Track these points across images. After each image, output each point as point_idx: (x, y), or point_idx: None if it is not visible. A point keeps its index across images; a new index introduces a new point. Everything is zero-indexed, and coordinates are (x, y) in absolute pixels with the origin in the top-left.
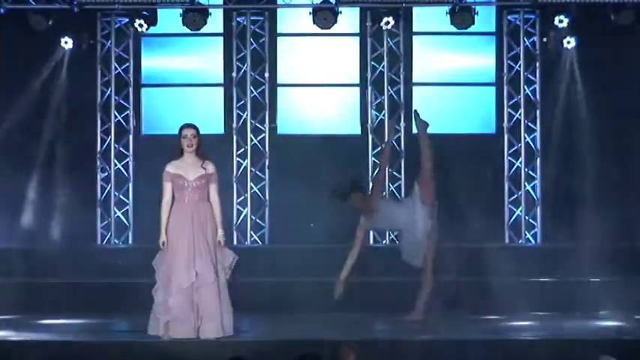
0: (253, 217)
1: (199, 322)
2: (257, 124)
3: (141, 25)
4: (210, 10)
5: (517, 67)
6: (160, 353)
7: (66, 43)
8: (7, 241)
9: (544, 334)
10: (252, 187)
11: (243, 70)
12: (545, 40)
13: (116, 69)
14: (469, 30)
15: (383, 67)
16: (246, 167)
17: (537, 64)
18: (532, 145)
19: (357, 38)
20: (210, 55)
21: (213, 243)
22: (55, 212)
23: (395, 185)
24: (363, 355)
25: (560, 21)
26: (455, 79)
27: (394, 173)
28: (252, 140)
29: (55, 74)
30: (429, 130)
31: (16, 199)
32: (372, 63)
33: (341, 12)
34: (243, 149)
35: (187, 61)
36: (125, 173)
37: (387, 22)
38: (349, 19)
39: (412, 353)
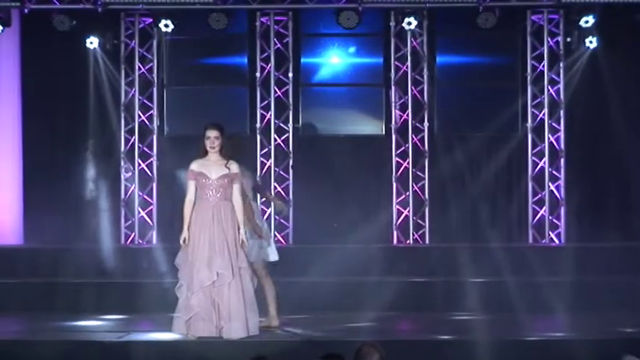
0: (277, 217)
1: (222, 322)
2: (281, 124)
3: (166, 26)
4: (234, 11)
5: (541, 67)
6: (185, 352)
7: (91, 43)
8: (35, 241)
9: (568, 334)
10: (275, 187)
11: (267, 71)
12: (569, 39)
13: (140, 69)
14: (492, 30)
15: (406, 67)
16: (270, 167)
17: (561, 64)
18: (556, 145)
19: (381, 38)
20: (234, 56)
21: (234, 242)
22: (81, 212)
23: (419, 185)
24: (387, 355)
25: (586, 22)
26: (478, 79)
27: (418, 173)
28: (275, 140)
29: (79, 74)
30: None
31: (43, 200)
32: (396, 63)
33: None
34: (267, 149)
35: (211, 60)
36: (149, 173)
37: (409, 23)
38: (373, 19)
39: (437, 353)
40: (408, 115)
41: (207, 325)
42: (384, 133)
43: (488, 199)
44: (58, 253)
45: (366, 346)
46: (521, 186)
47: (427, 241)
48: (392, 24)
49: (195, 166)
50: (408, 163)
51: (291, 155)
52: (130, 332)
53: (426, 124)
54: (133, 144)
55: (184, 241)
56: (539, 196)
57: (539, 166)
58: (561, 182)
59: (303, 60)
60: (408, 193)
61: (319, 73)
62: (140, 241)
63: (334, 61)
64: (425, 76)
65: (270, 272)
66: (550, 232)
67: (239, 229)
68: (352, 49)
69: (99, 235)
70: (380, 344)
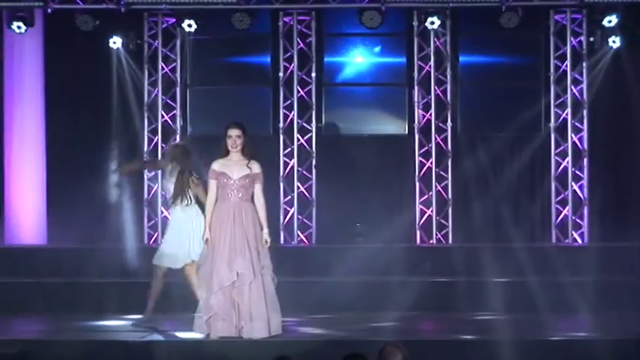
0: (300, 217)
1: (242, 322)
2: (304, 124)
3: (189, 26)
4: (258, 11)
5: (564, 67)
6: (207, 352)
7: (114, 43)
8: (58, 241)
9: (591, 334)
10: (298, 187)
11: (290, 70)
12: (592, 39)
13: (163, 69)
14: (515, 29)
15: (429, 66)
16: (293, 167)
17: (584, 64)
18: (579, 145)
19: (404, 38)
20: (257, 55)
21: (254, 242)
22: (104, 212)
23: (442, 185)
24: (411, 355)
25: (609, 21)
26: (501, 78)
27: (441, 173)
28: (298, 140)
29: (102, 74)
30: None
31: (66, 200)
32: (419, 63)
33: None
34: (289, 149)
35: (234, 60)
36: None
37: (432, 22)
38: (395, 18)
39: (460, 353)
40: (431, 114)
41: (226, 326)
42: (407, 132)
43: (511, 198)
44: (81, 253)
45: (389, 346)
46: (544, 186)
47: (450, 241)
48: (415, 24)
49: (216, 165)
50: (431, 163)
51: (314, 155)
52: (152, 332)
53: (449, 123)
54: (156, 144)
55: (207, 240)
56: (562, 195)
57: (562, 166)
58: (584, 182)
59: (326, 60)
60: (431, 193)
61: (342, 73)
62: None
63: (358, 60)
64: (448, 76)
65: (293, 271)
66: (573, 232)
67: (262, 229)
68: (377, 49)
69: (122, 234)
70: (403, 344)
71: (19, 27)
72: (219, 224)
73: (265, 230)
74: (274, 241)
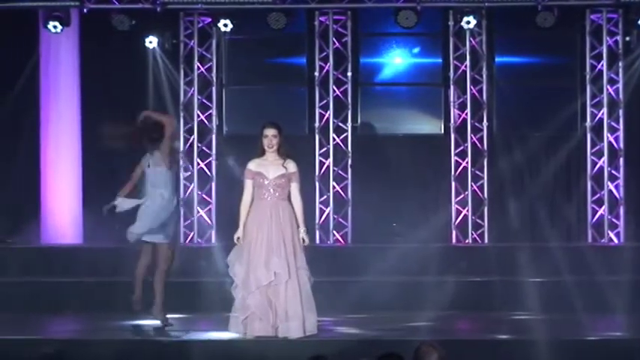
0: (336, 217)
1: (278, 321)
2: (339, 124)
3: (225, 25)
4: (293, 10)
5: (600, 67)
6: (243, 351)
7: (150, 42)
8: (95, 241)
9: (627, 334)
10: (334, 187)
11: (325, 70)
12: (627, 39)
13: (199, 68)
14: (550, 29)
15: (465, 66)
16: (328, 166)
17: (620, 63)
18: (615, 144)
19: (440, 37)
20: (293, 55)
21: (291, 242)
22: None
23: (478, 184)
24: (447, 355)
25: None
26: (536, 78)
27: (477, 172)
28: (334, 139)
29: (138, 74)
30: None
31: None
32: (455, 62)
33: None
34: (325, 148)
35: (270, 60)
36: (208, 172)
37: (468, 22)
38: (431, 18)
39: (495, 353)
40: (466, 114)
41: (263, 325)
42: (442, 132)
43: (547, 198)
44: (117, 252)
45: (424, 346)
46: (580, 185)
47: (486, 241)
48: (451, 23)
49: (252, 165)
50: (467, 163)
51: (350, 155)
52: (188, 331)
53: (485, 123)
54: (192, 143)
55: (238, 239)
56: (598, 195)
57: (598, 166)
58: (620, 181)
59: (361, 59)
60: (466, 193)
61: (378, 73)
62: (199, 241)
63: (394, 60)
64: (484, 76)
65: (329, 271)
66: (609, 232)
67: (298, 228)
68: (416, 50)
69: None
70: (439, 344)
71: (55, 27)
72: (256, 224)
73: (302, 229)
74: (310, 241)
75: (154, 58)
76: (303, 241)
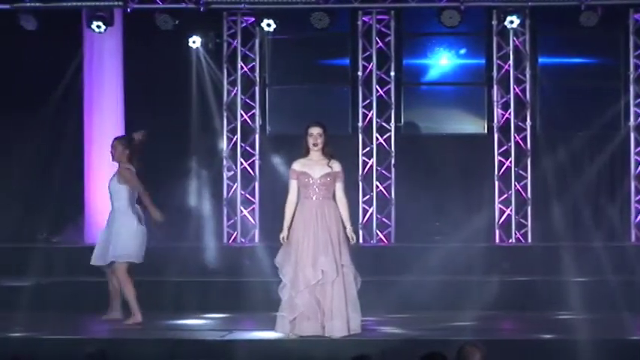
0: (379, 216)
1: (325, 320)
2: (383, 123)
3: (269, 25)
4: (336, 10)
5: None
6: (287, 351)
7: (193, 42)
8: None
9: None
10: (377, 186)
11: (368, 70)
12: None
13: (242, 68)
14: (594, 28)
15: (509, 65)
16: (372, 166)
17: None
18: None
19: (483, 37)
20: (336, 55)
21: (337, 241)
22: (184, 211)
23: (521, 184)
24: (490, 354)
25: None
26: (580, 77)
27: (520, 172)
28: (377, 139)
29: (182, 73)
30: None
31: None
32: (498, 62)
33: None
34: (368, 148)
35: (313, 60)
36: (251, 172)
37: (512, 22)
38: (474, 17)
39: (539, 352)
40: (510, 114)
41: (312, 324)
42: (486, 132)
43: (590, 198)
44: (161, 251)
45: (468, 346)
46: (623, 185)
47: (529, 240)
48: (494, 23)
49: (297, 165)
50: (511, 162)
51: (393, 154)
52: (232, 331)
53: (528, 122)
54: (236, 143)
55: (283, 239)
56: None
57: None
58: None
59: (404, 59)
60: (510, 192)
61: (421, 72)
62: (242, 240)
63: (437, 60)
64: (527, 75)
65: (372, 271)
66: None
67: (344, 227)
68: (463, 51)
69: (202, 234)
70: (482, 344)
71: (98, 26)
72: (302, 224)
73: (349, 227)
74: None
75: (198, 57)
76: (351, 239)
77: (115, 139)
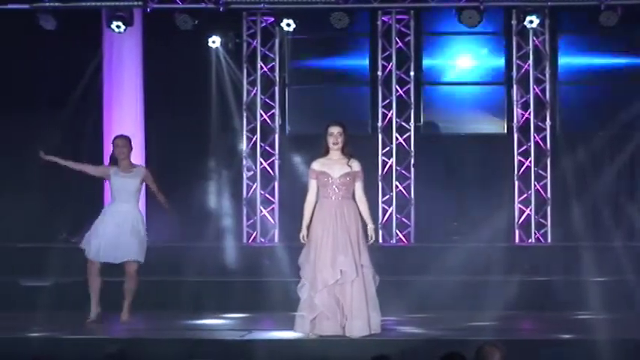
0: (398, 216)
1: (345, 319)
2: (402, 123)
3: (288, 25)
4: (356, 10)
5: None
6: (306, 351)
7: (213, 42)
8: (157, 240)
9: None
10: (397, 186)
11: (388, 69)
12: None
13: (262, 68)
14: (614, 28)
15: (528, 65)
16: (391, 166)
17: None
18: None
19: (503, 37)
20: (355, 55)
21: (356, 240)
22: (203, 210)
23: (541, 184)
24: (509, 354)
25: None
26: (600, 77)
27: (540, 172)
28: (397, 139)
29: (201, 73)
30: None
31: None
32: (518, 61)
33: (486, 10)
34: (388, 148)
35: (333, 60)
36: (271, 172)
37: (531, 21)
38: (494, 17)
39: (558, 352)
40: (529, 113)
41: (331, 324)
42: (505, 131)
43: (610, 197)
44: (180, 251)
45: (487, 346)
46: None
47: (549, 240)
48: (514, 22)
49: (316, 165)
50: (530, 162)
51: (413, 154)
52: (251, 331)
53: (547, 122)
54: (255, 143)
55: (303, 238)
56: None
57: None
58: None
59: (424, 59)
60: (529, 192)
61: (441, 72)
62: (262, 240)
63: (456, 60)
64: (547, 75)
65: (392, 270)
66: None
67: (366, 226)
68: (484, 51)
69: (221, 233)
70: (502, 344)
71: (118, 26)
72: (321, 223)
73: (371, 226)
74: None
75: (217, 57)
76: (370, 237)
77: (127, 137)
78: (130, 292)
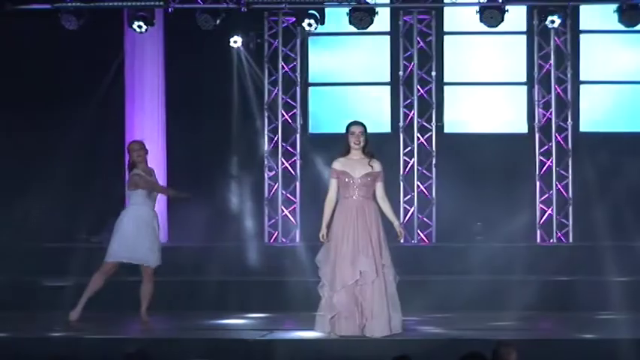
0: (420, 216)
1: (364, 320)
2: (424, 123)
3: (309, 25)
4: (377, 9)
5: None
6: (328, 350)
7: (234, 42)
8: (179, 240)
9: None
10: (418, 186)
11: (409, 69)
12: None
13: (283, 68)
14: (635, 27)
15: (550, 65)
16: (412, 166)
17: None
18: None
19: (524, 36)
20: (377, 54)
21: (377, 240)
22: (225, 210)
23: (562, 184)
24: (531, 354)
25: None
26: (621, 76)
27: (561, 172)
28: (418, 139)
29: (223, 73)
30: None
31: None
32: (539, 61)
33: (507, 10)
34: (409, 148)
35: (354, 59)
36: (292, 172)
37: (553, 21)
38: (516, 17)
39: (580, 352)
40: (551, 113)
41: (349, 324)
42: (527, 131)
43: (631, 197)
44: (202, 251)
45: (502, 346)
46: None
47: (571, 240)
48: (535, 22)
49: (337, 164)
50: (552, 162)
51: (434, 154)
52: (273, 331)
53: (569, 122)
54: (276, 143)
55: (323, 237)
56: None
57: None
58: None
59: (445, 58)
60: (551, 192)
61: (462, 72)
62: (283, 240)
63: (478, 59)
64: (568, 75)
65: (413, 270)
66: None
67: (393, 224)
68: (505, 51)
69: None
70: (518, 343)
71: (140, 26)
72: (341, 223)
73: (397, 223)
74: (394, 241)
75: (239, 57)
76: (399, 233)
77: (141, 141)
78: (148, 294)
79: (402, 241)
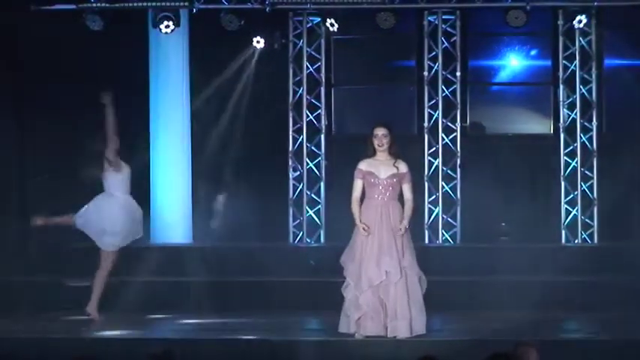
0: (445, 216)
1: (388, 320)
2: (448, 123)
3: (332, 25)
4: (402, 10)
5: None
6: (352, 351)
7: (258, 42)
8: (204, 240)
9: None
10: (443, 186)
11: (434, 70)
12: None
13: (308, 68)
14: None
15: (575, 65)
16: (437, 166)
17: None
18: None
19: (549, 37)
20: (401, 55)
21: (401, 241)
22: (248, 210)
23: (587, 184)
24: (555, 355)
25: None
26: None
27: (586, 172)
28: (443, 139)
29: (246, 73)
30: None
31: (211, 199)
32: (564, 62)
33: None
34: (434, 148)
35: (379, 60)
36: (317, 172)
37: (580, 21)
38: (541, 17)
39: (603, 352)
40: (576, 114)
41: (375, 324)
42: (552, 132)
43: None
44: (226, 251)
45: (521, 346)
46: None
47: (595, 241)
48: (560, 23)
49: (363, 165)
50: (577, 163)
51: (459, 154)
52: (297, 331)
53: (594, 123)
54: (301, 143)
55: (364, 229)
56: None
57: None
58: None
59: (470, 59)
60: (576, 193)
61: (487, 72)
62: (308, 240)
63: (503, 60)
64: (593, 75)
65: (438, 271)
66: None
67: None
68: (533, 52)
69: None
70: (540, 344)
71: (167, 26)
72: (367, 223)
73: (404, 222)
74: (419, 241)
75: (263, 58)
76: (403, 228)
77: None
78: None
79: (402, 230)
